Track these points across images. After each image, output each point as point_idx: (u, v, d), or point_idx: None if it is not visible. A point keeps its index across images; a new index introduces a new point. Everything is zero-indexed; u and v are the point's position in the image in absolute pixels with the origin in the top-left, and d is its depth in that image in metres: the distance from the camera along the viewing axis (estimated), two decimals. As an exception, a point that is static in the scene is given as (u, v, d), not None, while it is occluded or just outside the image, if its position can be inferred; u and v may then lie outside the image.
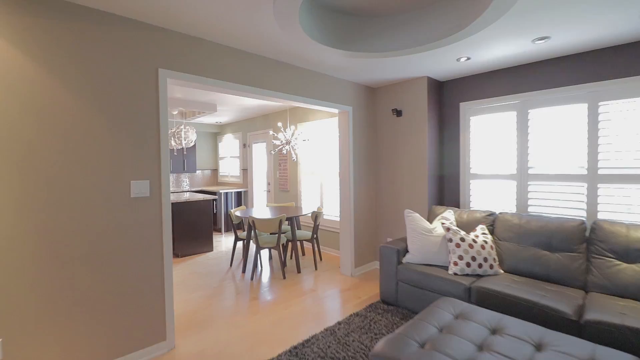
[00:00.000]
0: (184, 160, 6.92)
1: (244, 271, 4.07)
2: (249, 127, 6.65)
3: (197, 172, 7.54)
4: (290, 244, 5.42)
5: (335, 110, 3.74)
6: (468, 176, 3.57)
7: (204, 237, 5.02)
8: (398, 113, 3.82)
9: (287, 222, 4.16)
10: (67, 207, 1.94)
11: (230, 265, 4.37)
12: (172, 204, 4.70)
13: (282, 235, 4.17)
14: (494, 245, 2.78)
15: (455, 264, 2.68)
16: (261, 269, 4.20)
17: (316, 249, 4.94)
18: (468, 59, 2.95)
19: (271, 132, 4.33)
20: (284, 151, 4.49)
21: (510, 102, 3.23)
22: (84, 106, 1.99)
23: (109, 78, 2.08)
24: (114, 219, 2.12)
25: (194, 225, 4.92)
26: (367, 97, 4.04)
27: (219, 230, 6.54)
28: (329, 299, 3.21)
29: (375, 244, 4.22)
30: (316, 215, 4.20)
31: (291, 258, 4.66)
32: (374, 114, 4.15)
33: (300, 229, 4.67)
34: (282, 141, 4.47)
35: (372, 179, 4.13)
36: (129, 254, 2.18)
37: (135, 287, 2.20)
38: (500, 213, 3.00)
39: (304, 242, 5.63)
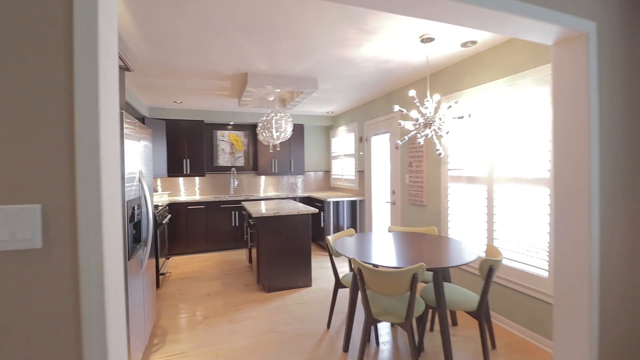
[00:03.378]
0: (291, 159, 5.77)
1: (345, 349, 2.33)
2: (367, 114, 4.91)
3: (310, 174, 6.32)
4: (430, 312, 3.29)
5: (548, 38, 1.55)
6: None
7: (300, 265, 3.56)
8: None
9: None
10: None
11: (328, 326, 2.70)
12: (256, 218, 3.41)
13: (416, 298, 2.21)
14: None
15: None
16: (376, 348, 2.36)
17: (485, 326, 2.71)
18: None
19: (397, 108, 2.46)
20: (419, 141, 2.52)
21: None
22: None
23: None
24: None
25: (287, 249, 3.51)
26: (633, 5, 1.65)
27: (326, 250, 5.05)
28: None
29: (651, 354, 1.73)
30: (490, 267, 2.05)
31: (431, 330, 2.63)
32: (657, 35, 1.69)
33: (449, 281, 2.59)
34: (416, 123, 2.52)
35: (649, 196, 1.69)
36: None
37: None
38: None
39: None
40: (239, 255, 4.95)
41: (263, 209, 3.64)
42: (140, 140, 2.20)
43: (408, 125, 2.60)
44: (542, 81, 2.33)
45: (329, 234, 4.96)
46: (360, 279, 2.01)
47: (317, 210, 3.63)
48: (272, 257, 3.45)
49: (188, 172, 5.14)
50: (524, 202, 2.45)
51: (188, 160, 5.14)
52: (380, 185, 4.74)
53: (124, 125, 1.82)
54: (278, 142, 3.81)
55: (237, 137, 5.75)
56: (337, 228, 5.07)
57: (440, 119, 2.43)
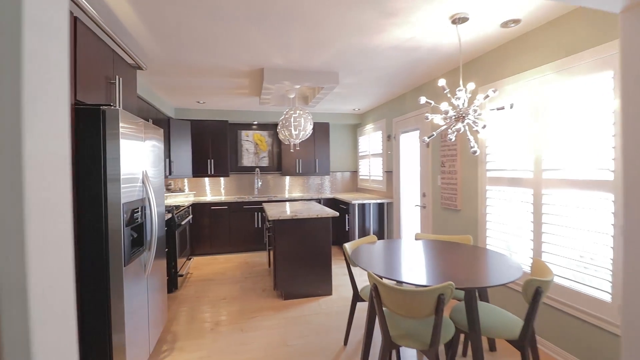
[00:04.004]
0: (316, 160, 5.57)
1: (362, 372, 2.06)
2: (395, 110, 4.57)
3: (337, 174, 6.09)
4: (462, 336, 2.89)
5: (615, 3, 1.18)
6: None
7: (319, 271, 3.34)
8: None
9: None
10: None
11: (345, 342, 2.46)
12: (273, 221, 3.25)
13: (443, 318, 1.90)
14: None
15: None
16: (397, 375, 2.08)
17: (530, 356, 2.30)
18: None
19: (423, 100, 2.14)
20: (449, 137, 2.19)
21: None
22: None
23: None
24: None
25: (306, 254, 3.31)
26: None
27: (352, 255, 4.78)
28: None
29: None
30: (537, 289, 1.68)
31: (464, 355, 2.28)
32: None
33: (486, 300, 2.23)
34: (447, 117, 2.20)
35: None
36: None
37: None
38: None
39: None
40: (261, 258, 4.84)
41: (281, 210, 3.47)
42: (145, 141, 2.11)
43: (437, 119, 2.28)
44: (603, 63, 1.90)
45: (354, 239, 4.69)
46: (377, 296, 1.74)
47: (337, 214, 3.38)
48: (289, 262, 3.27)
49: (212, 173, 5.13)
50: (579, 208, 2.03)
51: (212, 160, 5.13)
52: (410, 187, 4.39)
53: (120, 125, 1.71)
54: (298, 141, 3.62)
55: (261, 137, 5.67)
56: (363, 232, 4.79)
57: (475, 111, 2.09)
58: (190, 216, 4.23)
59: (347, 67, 3.17)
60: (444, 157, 3.43)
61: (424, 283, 1.67)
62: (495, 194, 2.73)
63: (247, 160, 5.63)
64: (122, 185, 1.73)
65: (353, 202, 4.64)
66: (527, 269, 2.38)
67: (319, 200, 5.35)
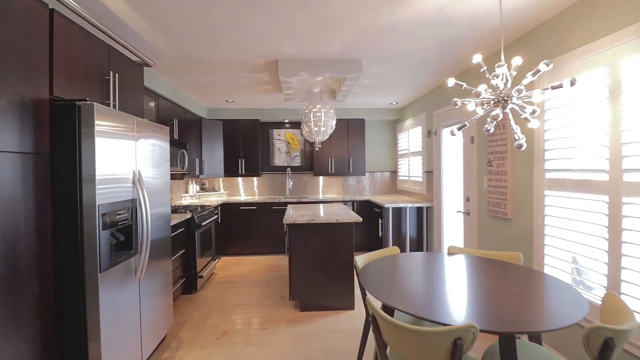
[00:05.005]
0: (349, 159, 5.21)
1: (367, 415, 1.70)
2: (436, 102, 4.02)
3: (376, 175, 5.67)
4: None
5: None
6: None
7: (340, 282, 3.01)
8: None
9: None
10: None
11: (356, 370, 2.10)
12: (289, 225, 2.99)
13: (472, 365, 1.45)
14: None
15: None
16: None
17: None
18: None
19: (452, 82, 1.68)
20: (486, 128, 1.71)
21: None
22: None
23: None
24: None
25: (325, 263, 3.00)
26: None
27: (386, 264, 4.33)
28: None
29: None
30: (605, 341, 1.16)
31: (504, 408, 1.78)
32: None
33: (537, 340, 1.70)
34: (482, 100, 1.71)
35: None
36: None
37: None
38: None
39: None
40: (287, 262, 4.63)
41: (300, 214, 3.21)
42: (138, 139, 2.00)
43: (471, 105, 1.81)
44: None
45: (387, 246, 4.25)
46: (376, 329, 1.38)
47: (360, 219, 3.01)
48: (306, 270, 2.99)
49: (243, 172, 5.08)
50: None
51: (243, 160, 5.08)
52: (453, 189, 3.82)
53: (97, 122, 1.59)
54: (320, 137, 3.32)
55: (293, 136, 5.49)
56: (398, 240, 4.31)
57: (519, 92, 1.59)
58: (216, 216, 4.19)
59: (371, 53, 2.78)
60: (491, 155, 2.85)
61: (438, 319, 1.26)
62: (556, 201, 2.14)
63: (279, 159, 5.49)
64: (99, 186, 1.61)
65: (386, 205, 4.19)
66: (596, 301, 1.79)
67: (352, 203, 4.99)
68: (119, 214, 1.78)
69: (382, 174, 5.71)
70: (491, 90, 1.74)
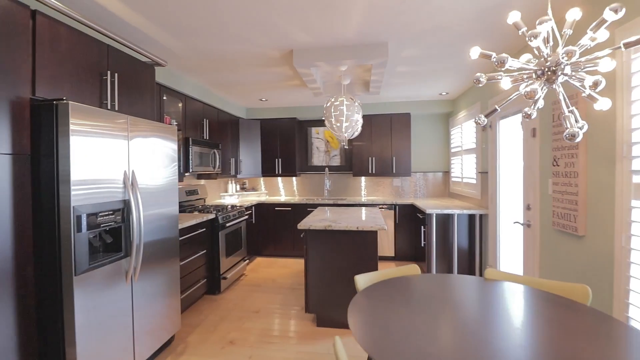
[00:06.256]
0: (392, 158, 4.73)
1: None
2: (491, 89, 3.34)
3: (428, 175, 5.08)
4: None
5: None
6: None
7: (360, 299, 2.64)
8: None
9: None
10: None
11: (357, 412, 1.75)
12: (305, 231, 2.73)
13: None
14: None
15: None
16: None
17: None
18: None
19: (476, 53, 1.23)
20: (528, 111, 1.24)
21: None
22: None
23: None
24: None
25: (345, 275, 2.67)
26: None
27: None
28: None
29: None
30: None
31: None
32: None
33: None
34: (522, 73, 1.22)
35: None
36: None
37: None
38: None
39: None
40: (323, 267, 4.37)
41: (320, 218, 2.92)
42: (133, 139, 1.95)
43: (505, 82, 1.32)
44: None
45: (430, 258, 3.70)
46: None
47: (385, 227, 2.60)
48: (324, 282, 2.70)
49: (280, 172, 4.98)
50: None
51: (280, 159, 4.98)
52: (511, 194, 3.13)
53: (72, 121, 1.55)
54: (346, 134, 2.99)
55: (332, 134, 5.20)
56: (443, 251, 3.72)
57: (568, 56, 1.07)
58: (247, 217, 4.14)
59: (395, 32, 2.36)
60: (557, 151, 2.19)
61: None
62: (651, 217, 1.48)
63: (318, 159, 5.26)
64: (76, 187, 1.57)
65: (429, 211, 3.64)
66: None
67: (394, 206, 4.51)
68: (102, 215, 1.74)
69: (434, 174, 5.07)
70: (535, 58, 1.24)
